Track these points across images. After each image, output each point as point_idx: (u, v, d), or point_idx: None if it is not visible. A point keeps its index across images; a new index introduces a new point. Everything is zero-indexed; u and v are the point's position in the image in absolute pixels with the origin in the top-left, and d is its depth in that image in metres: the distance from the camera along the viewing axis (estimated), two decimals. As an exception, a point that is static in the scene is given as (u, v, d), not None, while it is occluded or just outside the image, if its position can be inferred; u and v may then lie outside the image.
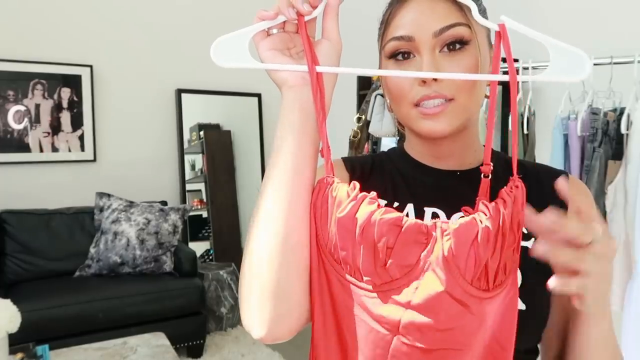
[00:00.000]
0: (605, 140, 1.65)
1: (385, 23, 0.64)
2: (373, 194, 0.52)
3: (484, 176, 0.55)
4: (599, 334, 0.55)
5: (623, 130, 1.62)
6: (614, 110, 1.71)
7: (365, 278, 0.50)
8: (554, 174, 0.68)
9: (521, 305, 0.58)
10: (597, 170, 1.64)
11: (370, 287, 0.50)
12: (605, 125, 1.65)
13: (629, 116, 1.61)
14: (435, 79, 0.58)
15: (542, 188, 0.65)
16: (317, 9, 0.54)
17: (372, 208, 0.50)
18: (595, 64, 1.70)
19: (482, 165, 0.56)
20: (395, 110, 0.65)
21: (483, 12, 0.62)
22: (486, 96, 0.65)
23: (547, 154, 1.77)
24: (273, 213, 0.54)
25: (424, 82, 0.59)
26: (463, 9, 0.59)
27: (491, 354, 0.51)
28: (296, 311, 0.54)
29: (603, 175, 1.65)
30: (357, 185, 0.52)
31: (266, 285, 0.53)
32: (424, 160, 0.69)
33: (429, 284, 0.49)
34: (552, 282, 0.45)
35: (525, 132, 1.87)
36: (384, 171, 0.70)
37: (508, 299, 0.51)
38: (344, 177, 0.68)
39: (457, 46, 0.60)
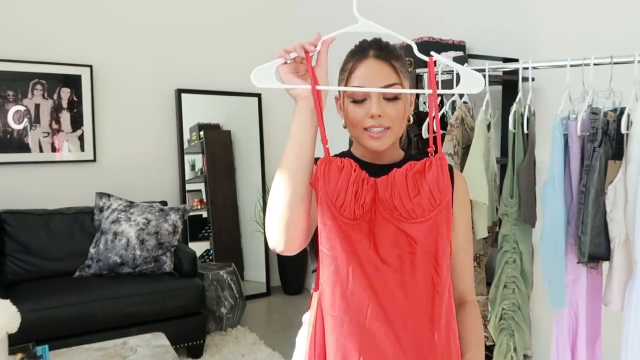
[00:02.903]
0: (605, 140, 1.65)
1: (348, 72, 0.99)
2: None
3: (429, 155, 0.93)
4: None
5: (623, 130, 1.62)
6: (614, 110, 1.71)
7: (355, 214, 0.88)
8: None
9: None
10: (597, 170, 1.63)
11: (352, 219, 0.88)
12: (605, 125, 1.65)
13: (629, 116, 1.61)
14: (380, 115, 0.95)
15: None
16: (317, 48, 0.90)
17: (363, 174, 0.90)
18: (595, 64, 1.70)
19: (400, 161, 1.04)
20: (351, 130, 1.01)
21: (408, 64, 0.97)
22: (408, 120, 1.04)
23: (547, 154, 1.77)
24: (287, 179, 0.89)
25: (372, 117, 0.95)
26: (397, 70, 0.98)
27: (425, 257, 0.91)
28: (301, 235, 0.91)
29: (603, 175, 1.65)
30: (354, 163, 0.90)
31: (284, 220, 0.89)
32: (365, 159, 1.07)
33: (377, 214, 0.90)
34: None
35: (525, 132, 1.86)
36: None
37: (430, 226, 0.90)
38: None
39: (393, 97, 0.98)
